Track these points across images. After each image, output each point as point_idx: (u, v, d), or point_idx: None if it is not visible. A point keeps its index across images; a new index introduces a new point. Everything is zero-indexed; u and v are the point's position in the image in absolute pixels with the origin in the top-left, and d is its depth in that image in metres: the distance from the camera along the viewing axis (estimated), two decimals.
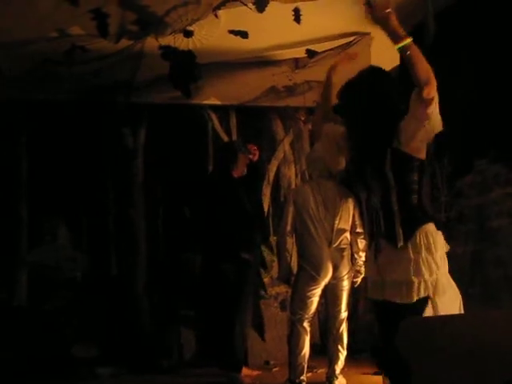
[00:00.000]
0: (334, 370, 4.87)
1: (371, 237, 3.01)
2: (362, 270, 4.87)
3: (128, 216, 6.78)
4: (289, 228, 4.89)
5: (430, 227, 2.86)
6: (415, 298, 2.81)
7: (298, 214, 4.87)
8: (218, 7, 4.41)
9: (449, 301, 3.89)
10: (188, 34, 4.74)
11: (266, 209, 6.86)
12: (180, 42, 4.78)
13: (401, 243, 2.81)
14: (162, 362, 6.02)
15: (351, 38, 5.12)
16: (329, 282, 4.83)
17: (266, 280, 6.43)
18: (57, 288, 6.53)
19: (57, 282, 6.55)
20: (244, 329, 5.39)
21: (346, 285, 4.86)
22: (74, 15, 4.30)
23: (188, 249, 6.76)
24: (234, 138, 7.02)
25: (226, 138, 6.92)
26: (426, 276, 2.80)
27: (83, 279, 6.84)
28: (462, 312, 3.86)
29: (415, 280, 2.79)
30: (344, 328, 4.87)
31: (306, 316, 4.82)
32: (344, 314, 4.89)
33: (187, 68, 4.80)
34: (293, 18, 4.46)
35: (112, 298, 6.55)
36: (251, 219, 5.53)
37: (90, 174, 6.82)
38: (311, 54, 5.27)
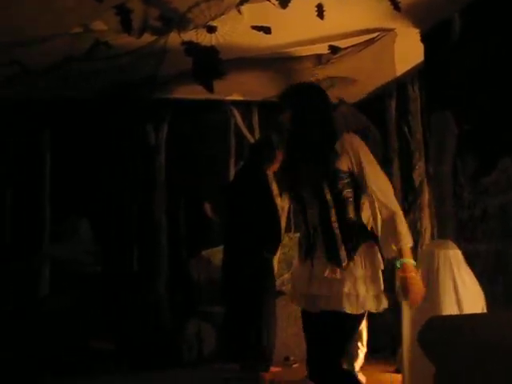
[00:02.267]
0: (353, 368, 4.84)
1: (307, 250, 2.96)
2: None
3: (150, 212, 6.81)
4: None
5: (371, 243, 2.87)
6: (361, 311, 2.81)
7: None
8: (241, 3, 4.40)
9: (473, 300, 3.87)
10: (211, 29, 4.73)
11: (287, 205, 6.84)
12: (203, 37, 4.78)
13: (344, 264, 2.79)
14: (181, 357, 6.04)
15: (375, 34, 5.08)
16: None
17: (286, 276, 6.43)
18: (80, 282, 6.58)
19: (78, 277, 6.60)
20: (269, 327, 5.36)
21: None
22: (98, 10, 4.32)
23: (209, 245, 6.78)
24: (256, 133, 7.01)
25: (248, 134, 6.92)
26: (371, 291, 2.82)
27: (104, 274, 6.88)
28: (485, 311, 3.85)
29: (365, 294, 2.79)
30: (363, 326, 4.85)
31: None
32: None
33: (210, 64, 4.80)
34: (316, 13, 4.44)
35: (133, 293, 6.59)
36: (279, 217, 5.51)
37: (112, 170, 6.85)
38: (334, 50, 5.24)
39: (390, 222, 2.76)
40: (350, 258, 2.80)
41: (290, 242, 7.03)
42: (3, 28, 4.58)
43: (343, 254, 2.80)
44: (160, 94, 6.30)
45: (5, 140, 6.31)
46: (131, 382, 5.38)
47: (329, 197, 2.81)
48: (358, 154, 2.81)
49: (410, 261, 2.78)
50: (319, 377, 2.89)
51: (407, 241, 2.79)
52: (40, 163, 6.69)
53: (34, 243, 6.61)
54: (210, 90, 4.84)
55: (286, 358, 6.04)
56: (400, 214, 2.78)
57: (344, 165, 2.81)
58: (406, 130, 6.07)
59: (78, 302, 6.35)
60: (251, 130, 6.99)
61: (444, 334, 3.03)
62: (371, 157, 2.87)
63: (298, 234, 6.70)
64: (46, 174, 6.69)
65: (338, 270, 2.78)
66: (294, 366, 5.85)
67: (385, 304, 2.89)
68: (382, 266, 2.90)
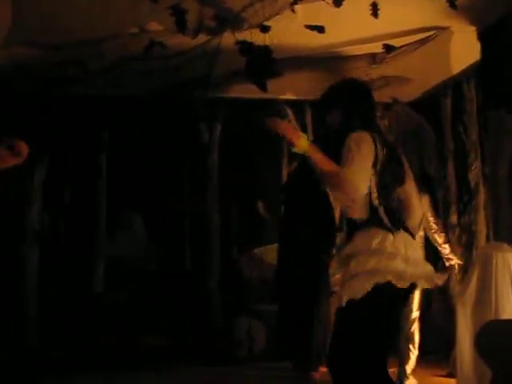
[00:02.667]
0: (404, 370, 4.79)
1: None
2: (452, 256, 4.79)
3: (202, 210, 6.87)
4: None
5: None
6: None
7: None
8: (295, 2, 4.41)
9: None
10: (265, 29, 4.74)
11: None
12: (257, 37, 4.80)
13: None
14: (232, 355, 6.08)
15: (430, 33, 5.01)
16: None
17: (337, 276, 6.38)
18: (134, 278, 6.69)
19: (134, 273, 6.72)
20: (321, 327, 5.34)
21: None
22: (153, 11, 4.39)
23: (262, 243, 6.80)
24: (309, 132, 6.99)
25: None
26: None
27: (159, 271, 6.99)
28: None
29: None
30: (416, 327, 4.79)
31: None
32: (416, 314, 4.80)
33: (263, 63, 4.82)
34: (370, 12, 4.41)
35: (186, 290, 6.66)
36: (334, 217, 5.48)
37: (166, 169, 6.93)
38: (389, 48, 5.19)
39: None
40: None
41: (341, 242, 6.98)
42: (62, 29, 4.70)
43: None
44: (214, 94, 6.35)
45: (63, 138, 6.45)
46: (182, 377, 5.44)
47: None
48: None
49: None
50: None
51: None
52: (96, 161, 6.82)
53: (89, 240, 6.74)
54: (264, 89, 4.86)
55: None
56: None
57: None
58: (461, 129, 5.96)
59: (133, 298, 6.47)
60: (304, 128, 6.98)
61: (502, 339, 2.99)
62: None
63: None
64: (103, 172, 6.82)
65: None
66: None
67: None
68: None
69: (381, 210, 2.81)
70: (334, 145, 2.86)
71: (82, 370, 5.52)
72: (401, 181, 2.88)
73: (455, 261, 4.81)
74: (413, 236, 2.85)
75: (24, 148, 2.35)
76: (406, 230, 2.82)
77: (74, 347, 5.94)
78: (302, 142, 2.72)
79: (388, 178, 2.81)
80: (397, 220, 2.81)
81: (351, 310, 2.72)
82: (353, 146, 2.74)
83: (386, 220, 2.79)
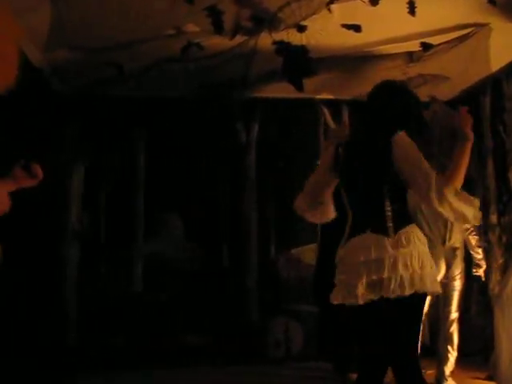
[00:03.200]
0: (443, 372, 4.74)
1: None
2: (482, 263, 4.76)
3: (240, 209, 6.90)
4: None
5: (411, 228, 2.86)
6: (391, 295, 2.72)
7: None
8: (332, 1, 4.40)
9: None
10: (301, 28, 4.75)
11: None
12: (293, 36, 4.81)
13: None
14: (268, 355, 6.10)
15: (468, 30, 4.94)
16: (440, 282, 4.70)
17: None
18: (172, 278, 6.75)
19: (172, 273, 6.77)
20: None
21: (457, 285, 4.72)
22: (190, 13, 4.42)
23: (299, 243, 6.80)
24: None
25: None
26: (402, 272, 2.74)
27: (197, 270, 7.03)
28: None
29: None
30: (455, 329, 4.74)
31: None
32: (455, 315, 4.75)
33: (300, 63, 4.82)
34: (407, 10, 4.38)
35: (224, 290, 6.69)
36: None
37: (204, 168, 6.98)
38: (426, 46, 5.14)
39: None
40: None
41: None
42: (100, 32, 4.77)
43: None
44: (250, 93, 6.37)
45: (103, 139, 6.55)
46: (219, 376, 5.48)
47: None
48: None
49: None
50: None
51: None
52: (134, 161, 6.90)
53: (128, 239, 6.82)
54: (300, 88, 4.86)
55: None
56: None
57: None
58: (501, 128, 5.87)
59: (171, 297, 6.52)
60: None
61: None
62: None
63: None
64: (141, 172, 6.89)
65: None
66: None
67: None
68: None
69: None
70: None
71: (119, 369, 5.61)
72: None
73: (480, 272, 4.77)
74: None
75: (39, 171, 2.44)
76: None
77: (114, 347, 6.02)
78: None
79: None
80: None
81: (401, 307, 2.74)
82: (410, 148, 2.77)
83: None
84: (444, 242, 4.63)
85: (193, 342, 6.19)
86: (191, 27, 4.75)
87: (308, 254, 7.93)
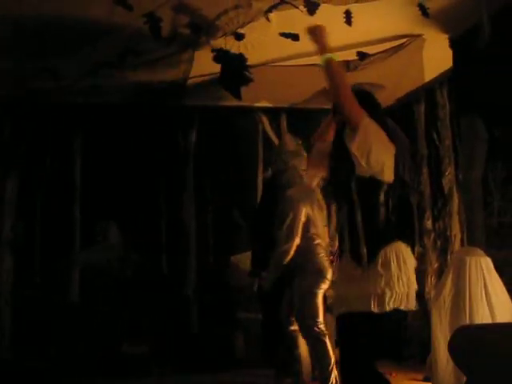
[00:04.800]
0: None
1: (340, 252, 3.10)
2: None
3: (179, 218, 6.86)
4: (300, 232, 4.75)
5: (399, 244, 2.93)
6: (387, 308, 2.84)
7: (307, 216, 4.78)
8: (270, 10, 4.42)
9: (503, 307, 3.84)
10: (239, 36, 4.75)
11: None
12: (231, 44, 4.81)
13: (364, 261, 2.88)
14: (211, 362, 6.07)
15: (403, 40, 5.06)
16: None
17: None
18: (108, 287, 6.65)
19: (108, 281, 6.67)
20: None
21: None
22: (128, 19, 4.37)
23: (236, 251, 6.80)
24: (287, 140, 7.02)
25: (276, 140, 6.93)
26: (397, 289, 2.86)
27: (134, 278, 6.95)
28: None
29: (387, 292, 2.84)
30: None
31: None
32: None
33: (238, 71, 4.82)
34: (344, 20, 4.44)
35: (162, 298, 6.63)
36: None
37: (141, 176, 6.91)
38: (362, 56, 5.23)
39: None
40: (371, 257, 2.88)
41: None
42: (35, 35, 4.66)
43: (364, 252, 2.89)
44: (189, 101, 6.34)
45: (37, 145, 6.40)
46: None
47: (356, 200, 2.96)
48: None
49: None
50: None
51: None
52: (70, 169, 6.77)
53: (64, 248, 6.69)
54: (238, 96, 4.85)
55: None
56: None
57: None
58: (435, 136, 6.03)
59: (110, 307, 6.42)
60: (279, 136, 7.01)
61: (474, 343, 3.01)
62: None
63: None
64: (77, 180, 6.77)
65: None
66: None
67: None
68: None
69: None
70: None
71: (55, 381, 5.48)
72: None
73: None
74: None
75: None
76: None
77: (49, 358, 5.88)
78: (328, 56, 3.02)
79: None
80: None
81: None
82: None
83: None
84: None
85: (131, 352, 6.11)
86: (129, 33, 4.69)
87: (247, 261, 7.94)
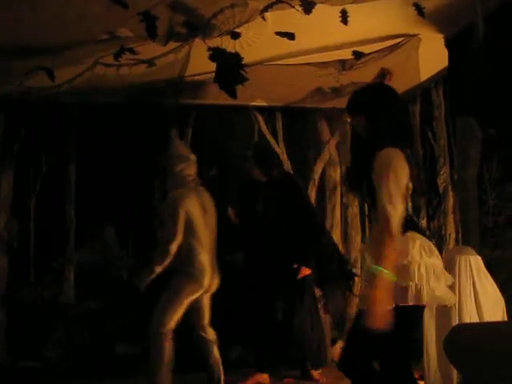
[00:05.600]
0: None
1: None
2: None
3: None
4: (180, 237, 4.73)
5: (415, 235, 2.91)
6: (411, 302, 2.76)
7: (189, 220, 4.76)
8: (266, 9, 4.42)
9: (492, 306, 3.86)
10: (235, 35, 4.75)
11: None
12: (227, 43, 4.81)
13: None
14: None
15: (399, 40, 5.08)
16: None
17: None
18: (103, 286, 6.63)
19: (103, 281, 6.66)
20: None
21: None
22: (124, 18, 4.37)
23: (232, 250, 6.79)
24: (280, 138, 7.03)
25: (271, 139, 6.93)
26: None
27: (129, 279, 6.93)
28: (505, 318, 3.83)
29: (412, 284, 2.77)
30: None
31: (175, 323, 4.79)
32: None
33: (234, 69, 4.82)
34: (340, 19, 4.45)
35: (156, 298, 6.62)
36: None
37: (136, 176, 6.89)
38: (358, 55, 5.24)
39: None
40: None
41: None
42: (31, 34, 4.65)
43: None
44: (184, 100, 6.34)
45: (31, 144, 6.37)
46: None
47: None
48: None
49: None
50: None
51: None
52: (65, 168, 6.74)
53: (59, 248, 6.66)
54: (233, 95, 4.86)
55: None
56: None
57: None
58: (430, 135, 6.05)
59: (105, 306, 6.41)
60: (275, 135, 7.01)
61: (470, 342, 3.03)
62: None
63: None
64: (72, 179, 6.74)
65: None
66: (318, 371, 5.84)
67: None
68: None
69: None
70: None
71: (51, 380, 5.47)
72: None
73: None
74: None
75: None
76: None
77: (44, 358, 5.87)
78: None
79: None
80: None
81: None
82: (385, 170, 2.74)
83: None
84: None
85: (125, 352, 6.10)
86: (125, 32, 4.69)
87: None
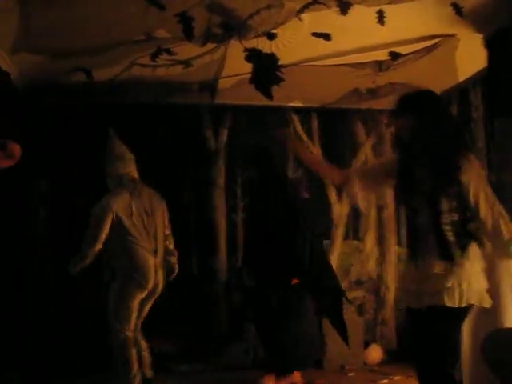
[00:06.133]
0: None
1: (413, 251, 3.22)
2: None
3: (209, 217, 6.88)
4: (103, 237, 4.75)
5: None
6: (464, 304, 2.98)
7: (119, 221, 4.76)
8: (302, 10, 4.42)
9: None
10: (271, 36, 4.76)
11: (346, 211, 6.88)
12: (263, 44, 4.82)
13: (455, 257, 3.04)
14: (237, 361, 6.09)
15: (436, 40, 5.02)
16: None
17: (344, 283, 6.39)
18: None
19: None
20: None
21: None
22: (161, 19, 4.41)
23: None
24: (316, 140, 7.02)
25: (307, 140, 6.93)
26: (475, 285, 3.02)
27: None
28: None
29: (464, 287, 2.98)
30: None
31: (132, 326, 4.82)
32: None
33: (270, 70, 4.83)
34: (376, 20, 4.42)
35: (191, 297, 6.65)
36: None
37: (172, 175, 6.92)
38: (395, 56, 5.20)
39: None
40: (461, 255, 3.04)
41: (347, 249, 7.00)
42: (69, 36, 4.72)
43: (454, 252, 3.04)
44: (220, 101, 6.37)
45: (67, 145, 6.44)
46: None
47: (444, 203, 3.07)
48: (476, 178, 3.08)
49: None
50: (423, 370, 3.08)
51: None
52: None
53: None
54: (269, 96, 4.86)
55: (342, 366, 6.02)
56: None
57: (464, 179, 3.05)
58: (467, 137, 5.96)
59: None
60: (310, 136, 7.00)
61: (507, 347, 3.00)
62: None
63: (355, 241, 6.65)
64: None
65: (446, 266, 3.02)
66: (350, 374, 5.82)
67: (488, 301, 3.08)
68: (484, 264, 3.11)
69: None
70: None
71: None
72: None
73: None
74: None
75: (17, 150, 2.27)
76: None
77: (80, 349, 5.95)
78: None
79: None
80: None
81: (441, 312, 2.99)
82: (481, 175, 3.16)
83: None
84: (156, 253, 4.93)
85: (162, 350, 6.13)
86: (162, 33, 4.73)
87: None
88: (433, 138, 3.07)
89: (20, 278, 5.97)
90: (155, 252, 4.86)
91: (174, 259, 5.18)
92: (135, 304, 4.79)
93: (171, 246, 5.20)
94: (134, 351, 4.78)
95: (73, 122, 6.31)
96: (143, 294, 4.82)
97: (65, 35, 4.70)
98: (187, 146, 6.91)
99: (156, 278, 4.85)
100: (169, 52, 5.00)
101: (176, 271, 5.20)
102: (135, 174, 5.01)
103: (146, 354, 5.00)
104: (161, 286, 4.94)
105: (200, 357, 6.19)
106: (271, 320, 5.21)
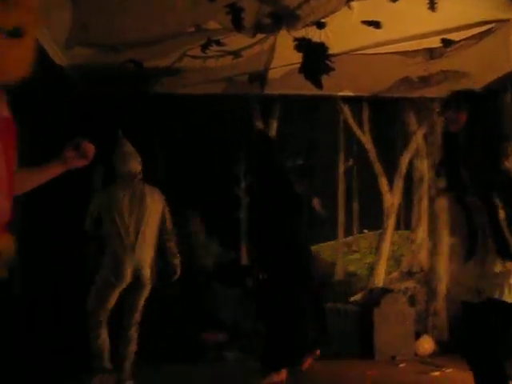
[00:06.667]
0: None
1: (472, 248, 3.19)
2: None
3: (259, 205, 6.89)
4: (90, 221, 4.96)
5: None
6: None
7: (107, 213, 4.83)
8: None
9: None
10: (321, 25, 4.74)
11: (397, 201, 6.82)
12: (312, 33, 4.80)
13: None
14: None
15: (490, 26, 4.91)
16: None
17: (395, 274, 6.35)
18: (189, 275, 6.75)
19: (189, 269, 6.77)
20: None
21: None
22: (211, 10, 4.44)
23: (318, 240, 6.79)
24: (366, 129, 6.97)
25: (357, 130, 6.88)
26: None
27: (214, 267, 7.04)
28: None
29: None
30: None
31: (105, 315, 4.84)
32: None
33: (319, 60, 4.81)
34: (427, 6, 4.36)
35: (240, 288, 6.70)
36: None
37: (223, 166, 6.99)
38: (447, 43, 5.11)
39: None
40: None
41: (399, 239, 6.95)
42: (121, 30, 4.81)
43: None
44: (270, 91, 6.37)
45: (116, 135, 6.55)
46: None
47: (497, 200, 3.04)
48: None
49: None
50: (476, 364, 3.09)
51: None
52: (154, 157, 6.89)
53: None
54: (319, 86, 4.85)
55: (393, 357, 5.98)
56: None
57: None
58: None
59: (188, 293, 6.52)
60: (361, 125, 6.96)
61: None
62: None
63: (407, 231, 6.57)
64: (160, 168, 6.86)
65: (506, 263, 3.02)
66: (401, 365, 5.78)
67: None
68: None
69: None
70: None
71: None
72: None
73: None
74: None
75: (91, 150, 2.28)
76: None
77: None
78: None
79: None
80: None
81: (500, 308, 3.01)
82: None
83: None
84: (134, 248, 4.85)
85: (210, 339, 6.20)
86: (212, 24, 4.77)
87: (326, 250, 7.94)
88: (482, 131, 3.10)
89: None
90: (133, 248, 4.86)
91: (176, 261, 5.16)
92: (113, 295, 4.86)
93: (173, 247, 5.20)
94: (104, 336, 4.88)
95: (125, 112, 6.39)
96: (118, 288, 4.85)
97: (115, 28, 4.78)
98: (238, 136, 6.95)
99: (135, 274, 4.85)
100: (218, 43, 5.04)
101: (178, 273, 5.17)
102: (135, 172, 5.05)
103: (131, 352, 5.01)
104: (148, 282, 4.91)
105: (250, 345, 6.24)
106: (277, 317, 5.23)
